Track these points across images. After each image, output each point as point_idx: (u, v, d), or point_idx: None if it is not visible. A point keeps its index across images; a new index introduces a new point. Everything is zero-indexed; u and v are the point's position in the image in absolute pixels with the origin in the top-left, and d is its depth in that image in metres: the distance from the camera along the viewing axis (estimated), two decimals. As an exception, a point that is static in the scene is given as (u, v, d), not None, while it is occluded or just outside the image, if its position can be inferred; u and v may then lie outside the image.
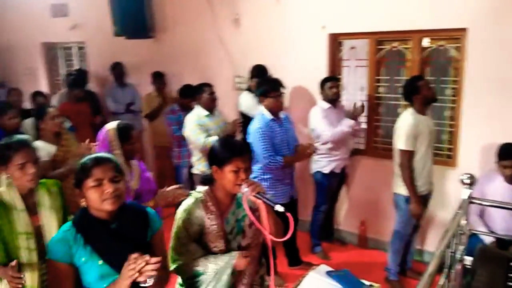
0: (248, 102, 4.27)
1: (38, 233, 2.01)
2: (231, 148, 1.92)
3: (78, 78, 5.37)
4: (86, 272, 1.57)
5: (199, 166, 3.91)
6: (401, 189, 3.31)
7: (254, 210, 1.92)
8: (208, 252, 1.93)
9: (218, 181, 1.93)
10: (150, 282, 1.48)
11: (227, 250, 1.93)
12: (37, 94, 4.69)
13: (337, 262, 3.89)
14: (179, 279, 2.09)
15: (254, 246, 2.01)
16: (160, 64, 5.21)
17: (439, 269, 1.65)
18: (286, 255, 3.80)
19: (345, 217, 4.40)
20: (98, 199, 1.57)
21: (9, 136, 2.13)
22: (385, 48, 3.91)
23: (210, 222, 1.90)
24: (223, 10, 4.61)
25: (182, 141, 4.47)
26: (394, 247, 3.52)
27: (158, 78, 5.07)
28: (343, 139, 3.83)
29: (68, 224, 1.64)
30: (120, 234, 1.61)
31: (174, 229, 1.93)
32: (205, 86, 3.89)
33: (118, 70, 5.46)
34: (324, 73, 4.07)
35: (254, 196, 1.81)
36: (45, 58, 6.86)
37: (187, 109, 4.48)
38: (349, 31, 3.96)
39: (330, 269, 2.15)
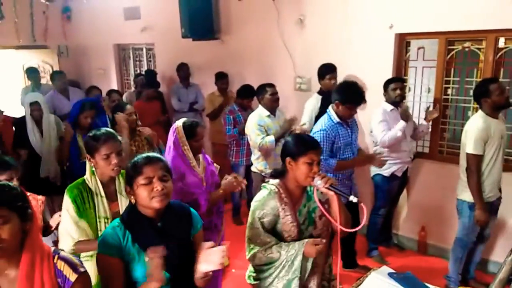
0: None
1: (115, 219, 2.21)
2: (306, 142, 2.04)
3: (150, 78, 5.71)
4: (134, 268, 1.63)
5: (258, 164, 4.01)
6: (466, 195, 3.18)
7: (323, 203, 2.02)
8: (281, 241, 2.03)
9: (291, 173, 2.04)
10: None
11: (299, 239, 2.03)
12: (112, 92, 5.02)
13: (394, 267, 3.76)
14: (249, 269, 2.20)
15: (325, 236, 2.10)
16: (224, 65, 5.38)
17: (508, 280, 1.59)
18: (342, 257, 3.77)
19: (404, 221, 4.28)
20: (147, 196, 1.63)
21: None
22: (456, 48, 3.76)
23: (285, 213, 2.01)
24: (288, 12, 4.67)
25: (240, 140, 4.61)
26: (455, 255, 3.38)
27: (221, 79, 5.23)
28: (401, 142, 3.72)
29: (117, 220, 1.72)
30: (166, 232, 1.68)
31: (249, 219, 2.05)
32: (268, 87, 3.97)
33: (183, 70, 5.70)
34: (389, 74, 4.00)
35: (327, 188, 1.91)
36: (116, 59, 7.31)
37: (246, 109, 4.62)
38: (418, 31, 3.85)
39: (392, 270, 2.13)
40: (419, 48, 4.05)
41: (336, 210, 1.93)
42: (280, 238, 2.04)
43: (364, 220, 1.90)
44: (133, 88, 6.50)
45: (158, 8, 6.10)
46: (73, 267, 1.40)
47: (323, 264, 2.13)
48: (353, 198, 1.87)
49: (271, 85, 3.99)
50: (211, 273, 1.64)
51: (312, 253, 1.96)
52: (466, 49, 3.72)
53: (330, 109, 3.30)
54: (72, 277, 1.38)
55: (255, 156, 4.03)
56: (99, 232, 2.12)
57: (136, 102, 5.45)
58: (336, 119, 3.25)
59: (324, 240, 2.03)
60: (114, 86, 7.17)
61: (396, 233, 4.33)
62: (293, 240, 2.02)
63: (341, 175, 3.34)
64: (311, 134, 3.38)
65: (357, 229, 1.97)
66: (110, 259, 1.60)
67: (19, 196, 1.36)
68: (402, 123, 3.59)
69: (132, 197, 1.70)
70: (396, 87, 3.71)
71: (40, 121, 4.10)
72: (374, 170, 3.89)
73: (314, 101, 4.16)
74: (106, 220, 2.14)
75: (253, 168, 4.07)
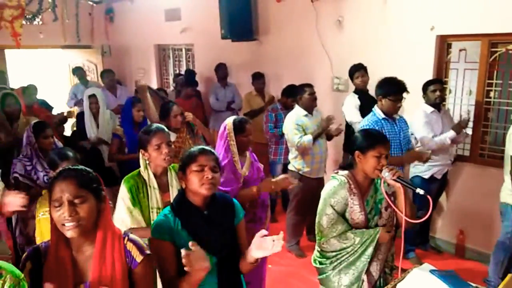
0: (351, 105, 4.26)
1: (166, 208, 2.35)
2: (375, 136, 2.18)
3: (190, 78, 5.90)
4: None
5: (295, 163, 4.07)
6: (510, 198, 3.14)
7: (390, 195, 2.16)
8: (350, 227, 2.18)
9: (359, 165, 2.17)
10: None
11: (366, 227, 2.18)
12: (159, 90, 5.21)
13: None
14: (316, 253, 2.32)
15: (389, 226, 2.22)
16: (261, 65, 5.49)
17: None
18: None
19: (442, 225, 4.25)
20: (198, 182, 1.75)
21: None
22: (499, 50, 3.72)
23: (353, 202, 2.14)
24: (326, 13, 4.73)
25: (279, 139, 4.70)
26: (496, 258, 3.34)
27: (258, 79, 5.34)
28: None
29: (168, 208, 1.84)
30: (211, 220, 1.80)
31: (320, 206, 2.20)
32: (306, 86, 4.04)
33: (222, 70, 5.85)
34: (429, 75, 3.98)
35: (394, 180, 2.02)
36: (156, 59, 7.56)
37: (289, 108, 4.70)
38: (460, 33, 3.83)
39: (433, 268, 2.16)
40: (460, 50, 4.01)
41: (402, 202, 2.05)
42: (349, 225, 2.19)
43: (429, 212, 1.98)
44: (171, 87, 6.72)
45: (198, 10, 6.27)
46: (140, 249, 1.53)
47: (386, 251, 2.25)
48: (419, 191, 1.96)
49: (310, 85, 4.06)
50: (259, 260, 1.75)
51: (385, 239, 2.13)
52: (510, 52, 3.66)
53: (376, 106, 3.37)
54: (139, 258, 1.51)
55: (293, 155, 4.10)
56: (151, 221, 2.25)
57: (176, 99, 5.65)
58: (381, 115, 3.30)
59: (394, 229, 2.20)
60: (154, 85, 7.41)
61: (433, 236, 4.30)
62: (361, 227, 2.17)
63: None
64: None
65: (421, 220, 2.05)
66: (162, 243, 1.71)
67: (95, 179, 1.50)
68: (452, 133, 3.60)
69: (183, 182, 1.82)
70: (435, 89, 3.69)
71: (97, 114, 4.35)
72: (413, 171, 3.89)
73: (352, 100, 4.23)
74: (158, 210, 2.28)
75: (290, 167, 4.14)
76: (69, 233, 1.40)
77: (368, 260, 2.14)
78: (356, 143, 2.19)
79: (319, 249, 2.29)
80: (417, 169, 3.85)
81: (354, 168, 2.21)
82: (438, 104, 3.72)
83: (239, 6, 5.23)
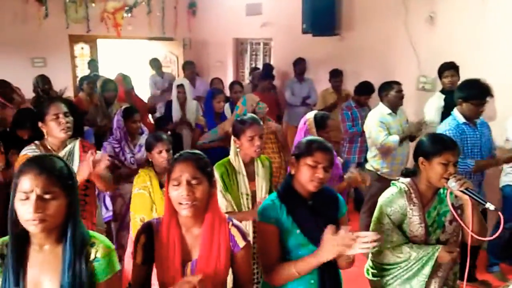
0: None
1: (253, 196, 2.41)
2: (442, 141, 1.97)
3: (267, 71, 5.96)
4: (287, 239, 1.76)
5: (374, 163, 3.95)
6: None
7: (457, 207, 1.93)
8: (408, 239, 2.00)
9: (424, 173, 1.98)
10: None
11: (425, 241, 1.98)
12: (234, 83, 5.32)
13: (519, 287, 3.49)
14: (369, 264, 2.20)
15: (453, 242, 2.02)
16: (340, 61, 5.38)
17: None
18: (460, 267, 3.58)
19: (535, 241, 3.90)
20: (308, 177, 1.74)
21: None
22: None
23: (412, 213, 1.97)
24: (417, 8, 4.52)
25: (355, 137, 4.59)
26: None
27: (336, 76, 5.25)
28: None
29: (274, 194, 1.86)
30: (316, 210, 1.78)
31: (376, 214, 2.06)
32: (394, 84, 3.88)
33: (300, 65, 5.83)
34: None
35: (462, 191, 1.82)
36: (234, 52, 7.72)
37: (362, 105, 4.59)
38: None
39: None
40: None
41: (469, 216, 1.85)
42: (406, 237, 2.01)
43: (500, 229, 1.78)
44: (247, 81, 6.83)
45: (280, 5, 6.30)
46: (243, 235, 1.60)
47: (448, 269, 2.05)
48: (490, 206, 1.76)
49: (398, 83, 3.90)
50: (352, 256, 1.69)
51: (445, 259, 1.92)
52: None
53: (455, 110, 3.15)
54: (241, 243, 1.58)
55: (372, 153, 3.98)
56: (242, 206, 2.32)
57: (253, 93, 5.72)
58: (461, 119, 3.10)
59: (458, 249, 1.97)
60: (230, 78, 7.59)
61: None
62: (420, 241, 1.98)
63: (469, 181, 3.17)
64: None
65: (491, 238, 1.86)
66: (268, 226, 1.74)
67: (209, 164, 1.58)
68: None
69: (293, 169, 1.81)
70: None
71: (183, 104, 4.56)
72: (504, 180, 3.61)
73: (436, 100, 3.99)
74: (247, 196, 2.35)
75: (368, 166, 4.03)
76: (184, 212, 1.48)
77: (426, 280, 1.95)
78: (421, 148, 2.00)
79: (372, 259, 2.14)
80: (509, 178, 3.57)
81: (417, 176, 2.03)
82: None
83: (323, 1, 5.17)
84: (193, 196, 1.47)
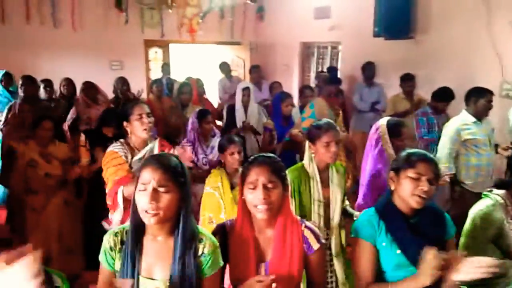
0: None
1: (326, 203, 2.37)
2: None
3: (332, 75, 5.87)
4: (384, 258, 1.66)
5: (456, 174, 3.72)
6: None
7: None
8: (504, 255, 1.88)
9: None
10: None
11: None
12: (305, 88, 5.29)
13: None
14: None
15: None
16: (413, 66, 5.15)
17: None
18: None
19: None
20: (410, 191, 1.62)
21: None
22: None
23: (510, 226, 1.88)
24: (502, 10, 4.22)
25: (430, 144, 4.36)
26: None
27: (408, 81, 5.01)
28: None
29: (372, 209, 1.76)
30: (419, 230, 1.65)
31: (467, 227, 1.95)
32: (488, 92, 3.60)
33: (369, 69, 5.66)
34: None
35: None
36: (300, 56, 7.68)
37: (440, 113, 4.35)
38: None
39: None
40: None
41: None
42: (503, 252, 1.89)
43: None
44: (312, 85, 6.76)
45: (350, 7, 6.18)
46: (317, 237, 1.59)
47: None
48: None
49: (491, 92, 3.60)
50: (458, 283, 1.54)
51: None
52: None
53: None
54: (315, 245, 1.57)
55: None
56: (313, 213, 2.30)
57: (319, 97, 5.65)
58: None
59: None
60: (296, 82, 7.58)
61: None
62: None
63: None
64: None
65: None
66: (364, 243, 1.68)
67: (283, 168, 1.59)
68: None
69: (393, 185, 1.72)
70: None
71: (247, 107, 4.63)
72: None
73: None
74: (319, 203, 2.32)
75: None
76: (260, 215, 1.50)
77: None
78: None
79: None
80: None
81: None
82: None
83: (398, 3, 4.99)
84: (269, 200, 1.48)
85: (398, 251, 1.63)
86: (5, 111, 4.49)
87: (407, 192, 1.63)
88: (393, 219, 1.67)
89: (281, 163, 1.58)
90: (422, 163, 1.63)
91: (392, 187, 1.72)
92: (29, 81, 4.59)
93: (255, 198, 1.49)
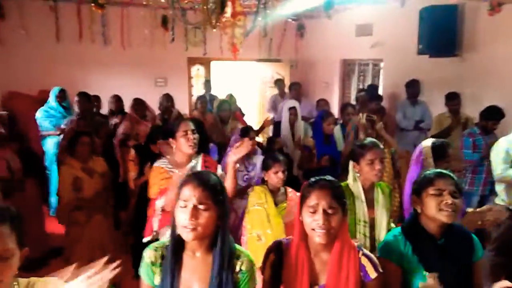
0: None
1: (371, 224, 2.33)
2: None
3: (372, 93, 5.81)
4: (411, 279, 1.65)
5: (505, 196, 3.58)
6: None
7: None
8: None
9: None
10: None
11: None
12: (347, 106, 5.24)
13: None
14: None
15: None
16: (458, 84, 5.03)
17: None
18: None
19: None
20: (435, 207, 1.63)
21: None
22: None
23: None
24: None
25: (478, 167, 4.21)
26: None
27: (453, 99, 4.87)
28: None
29: (398, 229, 1.77)
30: (447, 251, 1.64)
31: None
32: None
33: (414, 87, 5.55)
34: None
35: None
36: (341, 73, 7.66)
37: (489, 133, 4.20)
38: None
39: None
40: None
41: None
42: None
43: None
44: (353, 103, 6.70)
45: (392, 25, 6.12)
46: (374, 265, 1.57)
47: None
48: None
49: None
50: None
51: None
52: None
53: None
54: (372, 274, 1.55)
55: (501, 186, 3.61)
56: (358, 234, 2.27)
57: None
58: None
59: None
60: (336, 99, 7.55)
61: None
62: None
63: None
64: None
65: None
66: (390, 264, 1.68)
67: (344, 193, 1.60)
68: None
69: (418, 206, 1.74)
70: None
71: (293, 124, 4.67)
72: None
73: None
74: (364, 224, 2.28)
75: (497, 200, 3.65)
76: (318, 239, 1.51)
77: None
78: None
79: None
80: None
81: None
82: None
83: (444, 20, 4.91)
84: (328, 225, 1.49)
85: (426, 273, 1.62)
86: (63, 126, 4.72)
87: (433, 209, 1.65)
88: (419, 239, 1.68)
89: (342, 188, 1.59)
90: (440, 179, 1.67)
91: (419, 210, 1.73)
92: (85, 98, 4.81)
93: (314, 222, 1.50)
